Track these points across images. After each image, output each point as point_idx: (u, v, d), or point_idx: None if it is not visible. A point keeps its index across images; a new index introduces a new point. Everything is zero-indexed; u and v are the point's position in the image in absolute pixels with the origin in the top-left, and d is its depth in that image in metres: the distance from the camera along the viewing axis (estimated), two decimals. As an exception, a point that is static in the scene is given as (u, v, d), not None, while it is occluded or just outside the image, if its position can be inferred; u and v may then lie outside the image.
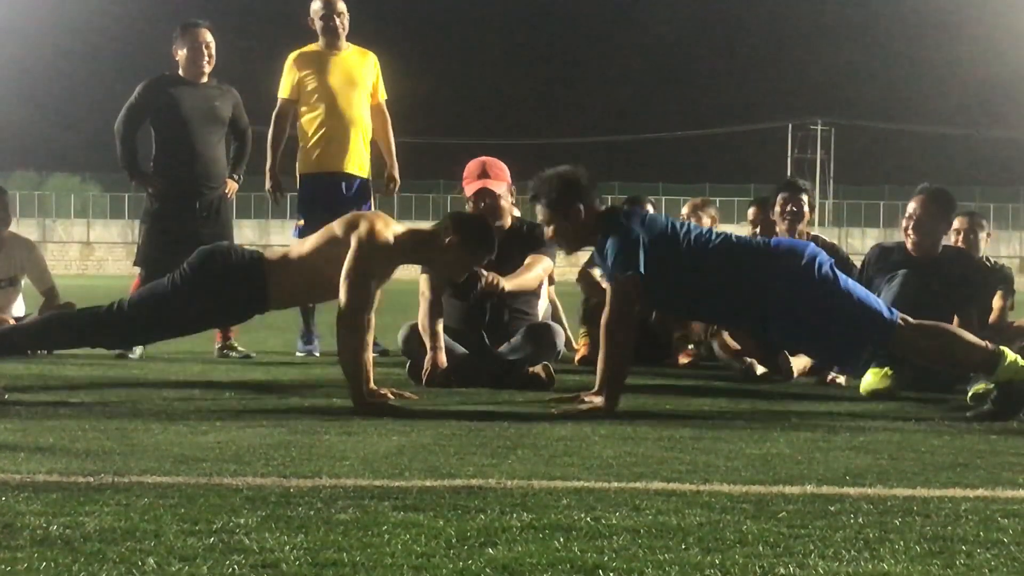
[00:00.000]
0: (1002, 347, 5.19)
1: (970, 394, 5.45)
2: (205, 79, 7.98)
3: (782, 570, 2.56)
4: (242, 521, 2.92)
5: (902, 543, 2.80)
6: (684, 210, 8.73)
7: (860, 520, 3.04)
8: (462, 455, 3.95)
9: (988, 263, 7.48)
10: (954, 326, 5.51)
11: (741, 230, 7.61)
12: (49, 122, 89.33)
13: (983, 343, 5.23)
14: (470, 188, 6.59)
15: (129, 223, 56.06)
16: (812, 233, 7.51)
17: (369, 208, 8.22)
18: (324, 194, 8.10)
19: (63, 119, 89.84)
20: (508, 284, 6.15)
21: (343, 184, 8.10)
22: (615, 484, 3.47)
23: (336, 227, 5.47)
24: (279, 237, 56.81)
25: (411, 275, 6.78)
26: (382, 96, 8.31)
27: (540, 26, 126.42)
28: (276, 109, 8.20)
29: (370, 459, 3.86)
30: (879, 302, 5.41)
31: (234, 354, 7.77)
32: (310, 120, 8.11)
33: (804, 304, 5.26)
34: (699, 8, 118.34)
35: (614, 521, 2.97)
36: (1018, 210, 61.89)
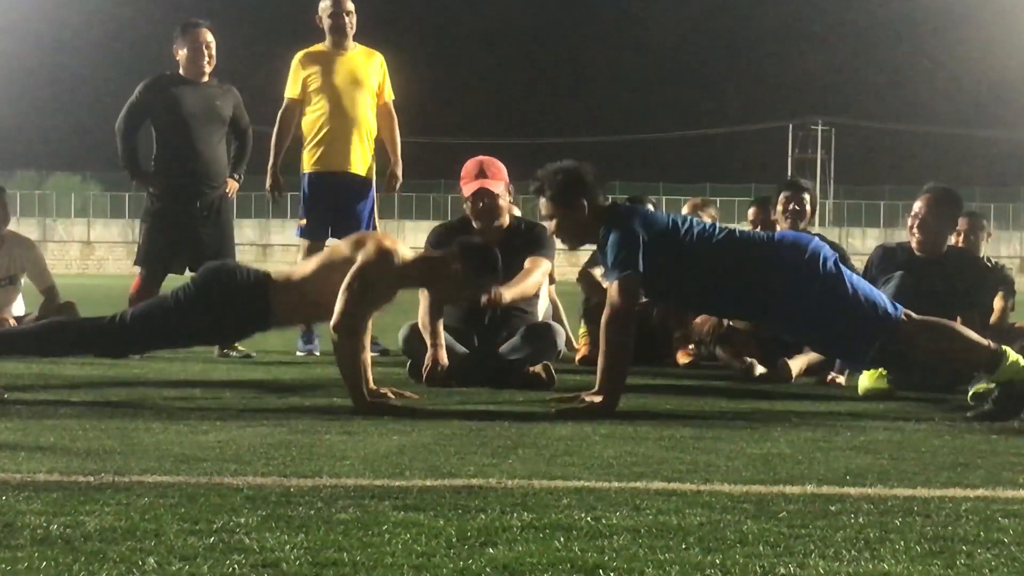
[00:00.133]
0: (1004, 347, 5.19)
1: (970, 394, 5.45)
2: (206, 79, 7.98)
3: (783, 570, 2.56)
4: (242, 521, 2.92)
5: (903, 543, 2.80)
6: (684, 210, 8.73)
7: (861, 520, 3.04)
8: (463, 455, 3.95)
9: (988, 263, 7.48)
10: (956, 324, 5.49)
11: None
12: (50, 121, 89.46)
13: (985, 342, 5.23)
14: (468, 188, 6.59)
15: (130, 222, 56.04)
16: (814, 233, 7.49)
17: (371, 208, 8.24)
18: (326, 193, 8.12)
19: (64, 118, 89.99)
20: (508, 294, 6.14)
21: (345, 184, 8.11)
22: (616, 484, 3.47)
23: (344, 246, 5.49)
24: (280, 236, 56.84)
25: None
26: (389, 96, 8.31)
27: (541, 26, 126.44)
28: (282, 108, 8.22)
29: (371, 459, 3.86)
30: (883, 297, 5.41)
31: (234, 354, 7.77)
32: (314, 119, 8.13)
33: (809, 297, 5.25)
34: (700, 8, 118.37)
35: (615, 521, 2.97)
36: (1018, 210, 61.84)
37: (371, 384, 5.42)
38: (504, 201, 6.64)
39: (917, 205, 6.48)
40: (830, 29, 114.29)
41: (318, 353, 7.99)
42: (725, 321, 7.21)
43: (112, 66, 77.59)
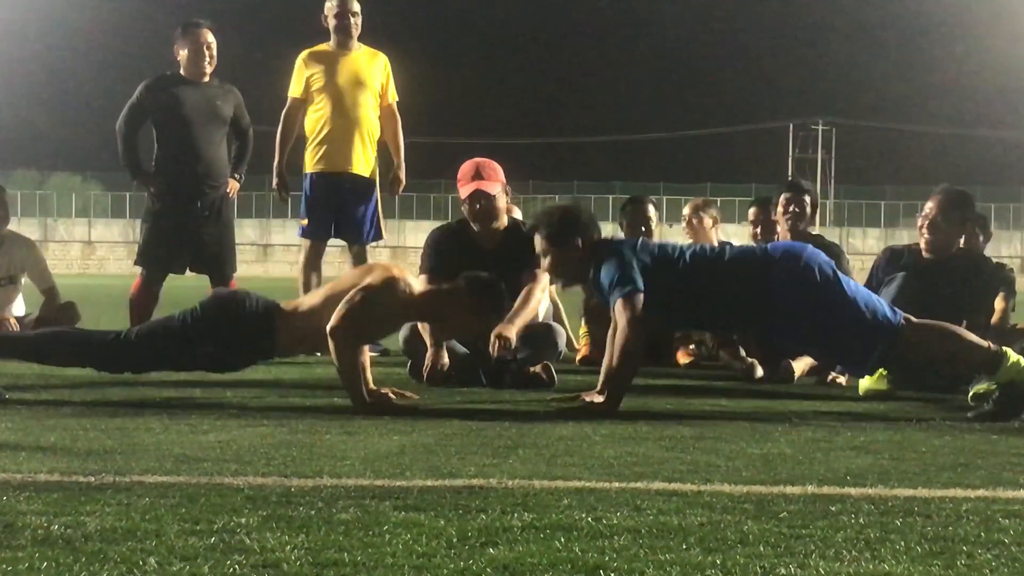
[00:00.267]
0: (1005, 348, 5.19)
1: (971, 394, 5.44)
2: (206, 79, 7.98)
3: (783, 570, 2.56)
4: (243, 521, 2.92)
5: (903, 543, 2.80)
6: (686, 210, 8.72)
7: (861, 520, 3.04)
8: (463, 455, 3.96)
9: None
10: (956, 326, 5.48)
11: (742, 230, 7.61)
12: (50, 121, 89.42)
13: (985, 343, 5.23)
14: (464, 190, 6.59)
15: (131, 222, 56.04)
16: (814, 233, 7.50)
17: (374, 210, 8.24)
18: (328, 193, 8.13)
19: (64, 118, 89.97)
20: (515, 329, 6.10)
21: (347, 184, 8.12)
22: (616, 484, 3.47)
23: (352, 275, 5.54)
24: (280, 236, 56.86)
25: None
26: (392, 98, 8.31)
27: (542, 26, 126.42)
28: (286, 107, 8.23)
29: (371, 459, 3.86)
30: (882, 302, 5.41)
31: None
32: (316, 119, 8.14)
33: (807, 305, 5.26)
34: (701, 8, 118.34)
35: (615, 521, 2.97)
36: (1018, 210, 61.84)
37: (371, 384, 5.43)
38: (501, 203, 6.64)
39: (928, 206, 6.45)
40: (831, 29, 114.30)
41: (319, 352, 7.95)
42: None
43: (113, 66, 77.74)
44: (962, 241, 7.39)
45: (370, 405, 5.13)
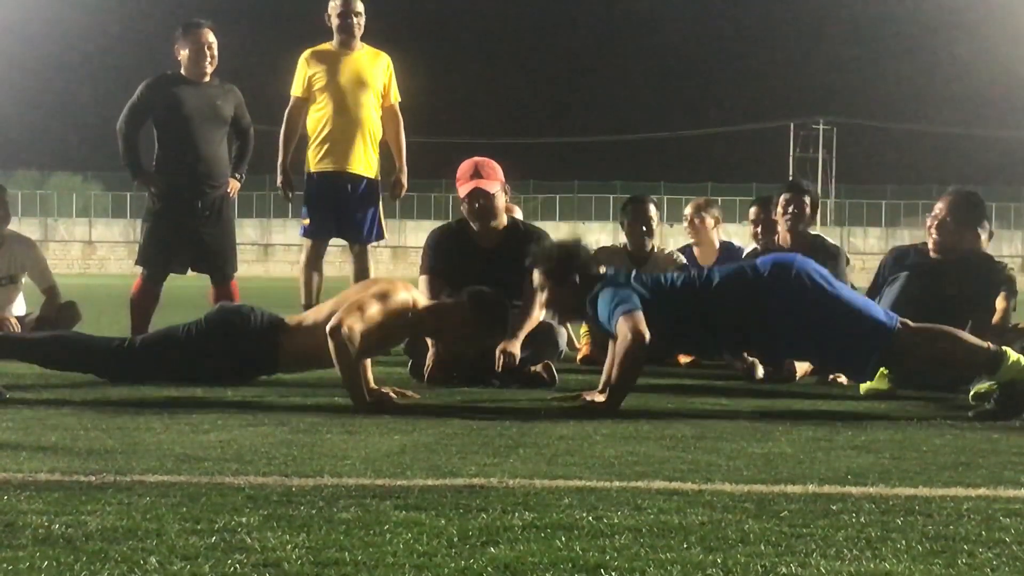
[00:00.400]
0: (1004, 348, 5.19)
1: (972, 393, 5.44)
2: (207, 79, 7.98)
3: (784, 569, 2.56)
4: (244, 520, 2.92)
5: (904, 542, 2.80)
6: (688, 210, 8.72)
7: (862, 519, 3.04)
8: (464, 454, 3.96)
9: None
10: (954, 328, 5.46)
11: (743, 229, 7.60)
12: (51, 121, 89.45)
13: (984, 344, 5.22)
14: (463, 189, 6.59)
15: (131, 222, 56.04)
16: (814, 233, 7.49)
17: (376, 211, 8.24)
18: (329, 193, 8.14)
19: (65, 118, 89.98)
20: (519, 342, 6.11)
21: (349, 184, 8.13)
22: (617, 483, 3.47)
23: (356, 290, 5.55)
24: (281, 236, 56.85)
25: (411, 275, 6.78)
26: (395, 98, 8.31)
27: (543, 26, 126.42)
28: (289, 107, 8.24)
29: (372, 458, 3.86)
30: (876, 307, 5.43)
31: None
32: (317, 118, 8.15)
33: (803, 314, 5.26)
34: (701, 8, 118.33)
35: (616, 520, 2.97)
36: (1019, 210, 61.84)
37: (372, 383, 5.43)
38: (500, 201, 6.64)
39: (938, 206, 6.44)
40: (831, 29, 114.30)
41: None
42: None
43: (113, 66, 77.72)
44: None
45: (371, 404, 5.13)
